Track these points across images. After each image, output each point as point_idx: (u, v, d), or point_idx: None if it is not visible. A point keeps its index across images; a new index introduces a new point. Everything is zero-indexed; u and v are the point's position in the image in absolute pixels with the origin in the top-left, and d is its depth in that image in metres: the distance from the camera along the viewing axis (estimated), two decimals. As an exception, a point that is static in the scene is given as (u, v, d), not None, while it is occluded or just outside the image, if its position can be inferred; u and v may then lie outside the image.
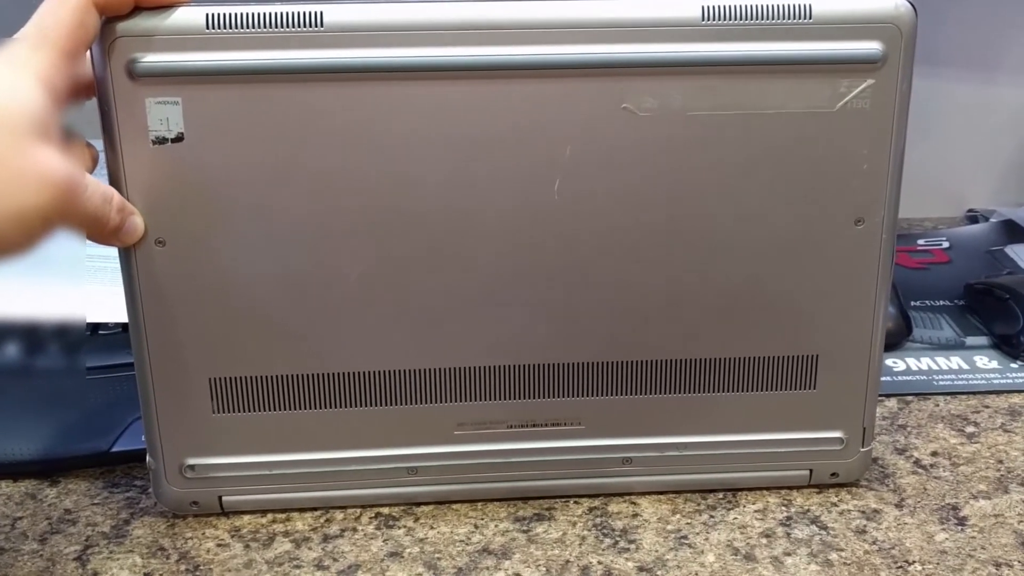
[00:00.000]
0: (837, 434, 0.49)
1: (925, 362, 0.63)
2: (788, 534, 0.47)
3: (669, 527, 0.48)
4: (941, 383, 0.61)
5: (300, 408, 0.47)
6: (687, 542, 0.47)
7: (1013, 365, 0.63)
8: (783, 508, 0.49)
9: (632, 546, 0.47)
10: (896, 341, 0.65)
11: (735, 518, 0.49)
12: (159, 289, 0.44)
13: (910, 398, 0.59)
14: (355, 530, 0.48)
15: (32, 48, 0.37)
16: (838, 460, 0.50)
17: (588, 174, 0.44)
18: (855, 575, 0.45)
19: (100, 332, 0.61)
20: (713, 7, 0.42)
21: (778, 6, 0.42)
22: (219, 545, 0.47)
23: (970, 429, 0.56)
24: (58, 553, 0.47)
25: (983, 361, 0.63)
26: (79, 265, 0.62)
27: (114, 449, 0.52)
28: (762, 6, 0.42)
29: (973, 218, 0.88)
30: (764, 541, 0.47)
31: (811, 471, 0.50)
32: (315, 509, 0.49)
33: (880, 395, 0.50)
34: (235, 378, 0.46)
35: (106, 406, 0.55)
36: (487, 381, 0.47)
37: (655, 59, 0.42)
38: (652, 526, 0.48)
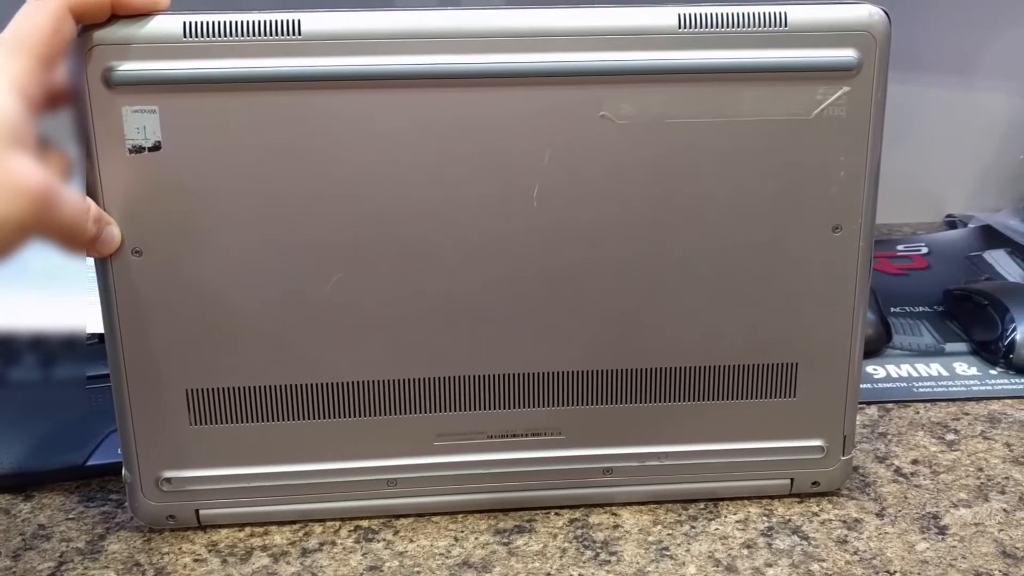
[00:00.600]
0: (818, 442, 0.49)
1: (905, 369, 0.63)
2: (770, 545, 0.47)
3: (650, 538, 0.48)
4: (921, 390, 0.61)
5: (278, 420, 0.47)
6: (668, 554, 0.47)
7: (992, 372, 0.63)
8: (764, 518, 0.49)
9: (613, 558, 0.46)
10: (876, 348, 0.65)
11: (716, 528, 0.48)
12: (135, 299, 0.44)
13: (890, 405, 0.60)
14: (334, 544, 0.47)
15: (7, 55, 0.37)
16: (819, 469, 0.50)
17: (567, 182, 0.44)
18: (836, 584, 0.45)
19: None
20: (690, 15, 0.42)
21: (754, 14, 0.42)
22: (196, 560, 0.46)
23: (950, 437, 0.56)
24: (31, 570, 0.46)
25: (963, 368, 0.64)
26: (65, 274, 0.61)
27: (89, 462, 0.51)
28: (738, 14, 0.42)
29: (952, 223, 0.88)
30: (746, 552, 0.47)
31: (792, 480, 0.50)
32: (293, 522, 0.49)
33: (860, 403, 0.50)
34: (212, 389, 0.46)
35: (81, 419, 0.54)
36: (466, 391, 0.47)
37: (632, 67, 0.42)
38: (633, 537, 0.48)
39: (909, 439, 0.56)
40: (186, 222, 0.43)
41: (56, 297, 0.59)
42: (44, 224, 0.37)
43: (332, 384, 0.46)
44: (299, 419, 0.47)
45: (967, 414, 0.59)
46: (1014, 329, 0.63)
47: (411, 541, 0.48)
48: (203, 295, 0.44)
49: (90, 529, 0.49)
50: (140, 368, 0.45)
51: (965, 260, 0.79)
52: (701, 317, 0.47)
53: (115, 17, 0.40)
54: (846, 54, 0.43)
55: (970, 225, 0.86)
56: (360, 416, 0.47)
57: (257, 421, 0.46)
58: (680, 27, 0.42)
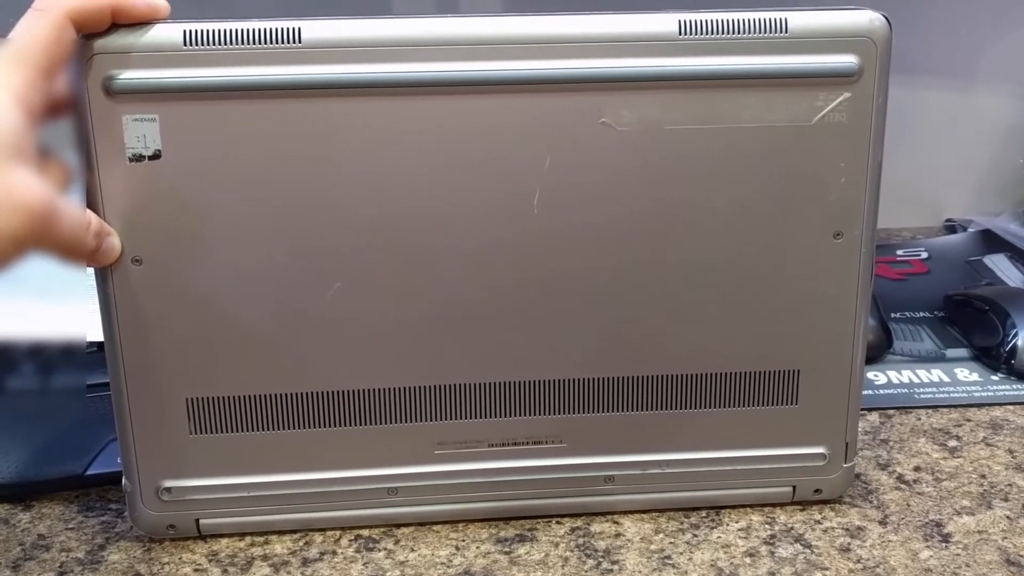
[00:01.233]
0: (820, 450, 0.49)
1: (906, 375, 0.63)
2: (772, 553, 0.47)
3: (652, 547, 0.47)
4: (922, 396, 0.61)
5: (278, 428, 0.46)
6: (671, 562, 0.46)
7: (994, 377, 0.63)
8: (767, 526, 0.49)
9: (615, 567, 0.46)
10: (877, 354, 0.65)
11: (719, 537, 0.48)
12: (135, 308, 0.44)
13: (892, 412, 0.59)
14: (335, 553, 0.47)
15: (7, 66, 0.37)
16: (821, 476, 0.50)
17: (567, 189, 0.44)
18: (840, 592, 0.45)
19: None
20: (690, 21, 0.42)
21: (754, 20, 0.42)
22: (196, 570, 0.46)
23: (952, 443, 0.56)
24: (31, 579, 0.46)
25: (964, 373, 0.63)
26: (61, 282, 0.61)
27: (89, 472, 0.51)
28: (739, 20, 0.42)
29: (951, 228, 0.88)
30: (748, 560, 0.47)
31: (794, 488, 0.50)
32: (294, 532, 0.49)
33: (861, 409, 0.50)
34: (212, 398, 0.46)
35: (81, 428, 0.54)
36: (467, 399, 0.47)
37: (633, 73, 0.42)
38: (635, 546, 0.48)
39: (911, 446, 0.56)
40: (186, 231, 0.43)
41: (55, 305, 0.59)
42: (43, 239, 0.36)
43: (332, 392, 0.46)
44: (299, 428, 0.46)
45: (969, 420, 0.59)
46: (1015, 335, 0.63)
47: (412, 550, 0.47)
48: (203, 303, 0.44)
49: (90, 539, 0.48)
50: (140, 377, 0.45)
51: (965, 265, 0.79)
52: (702, 324, 0.46)
53: (115, 26, 0.40)
54: (847, 60, 0.43)
55: (970, 229, 0.86)
56: (361, 424, 0.47)
57: (258, 430, 0.46)
58: (681, 33, 0.42)
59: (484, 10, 0.81)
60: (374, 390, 0.46)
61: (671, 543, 0.48)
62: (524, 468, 0.48)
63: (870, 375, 0.63)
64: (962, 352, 0.66)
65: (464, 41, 0.42)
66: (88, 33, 0.40)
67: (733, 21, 0.42)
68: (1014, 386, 0.62)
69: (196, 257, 0.43)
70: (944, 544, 0.47)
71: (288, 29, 0.41)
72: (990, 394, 0.61)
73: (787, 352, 0.47)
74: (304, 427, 0.46)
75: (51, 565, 0.47)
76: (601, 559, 0.47)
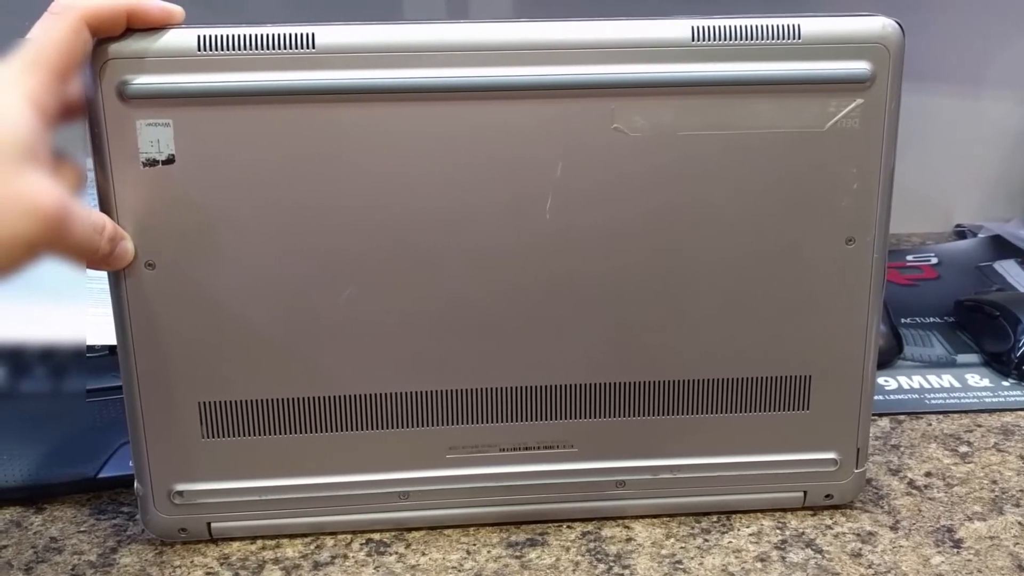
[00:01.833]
0: (831, 455, 0.49)
1: (917, 380, 0.63)
2: (783, 558, 0.47)
3: (663, 551, 0.47)
4: (933, 402, 0.61)
5: (290, 432, 0.46)
6: (682, 567, 0.46)
7: (1005, 383, 0.63)
8: (778, 531, 0.49)
9: (626, 571, 0.46)
10: (887, 359, 0.65)
11: (730, 542, 0.48)
12: (148, 312, 0.44)
13: (902, 417, 0.59)
14: (346, 557, 0.47)
15: (23, 69, 0.37)
16: (832, 481, 0.50)
17: (579, 194, 0.44)
18: (851, 598, 0.45)
19: (88, 355, 0.60)
20: (703, 27, 0.42)
21: (767, 26, 0.42)
22: (208, 573, 0.46)
23: (963, 449, 0.56)
24: (43, 582, 0.46)
25: (975, 379, 0.63)
26: (74, 286, 0.61)
27: (101, 475, 0.51)
28: (751, 26, 0.42)
29: (961, 233, 0.88)
30: (759, 566, 0.46)
31: (805, 493, 0.50)
32: (306, 535, 0.49)
33: (872, 414, 0.50)
34: (225, 402, 0.46)
35: (93, 430, 0.54)
36: (479, 404, 0.47)
37: (645, 79, 0.42)
38: (646, 551, 0.48)
39: (922, 451, 0.56)
40: (199, 235, 0.43)
41: (55, 308, 0.59)
42: (56, 243, 0.36)
43: (344, 397, 0.46)
44: (311, 432, 0.46)
45: (980, 426, 0.58)
46: (1026, 340, 0.63)
47: (423, 554, 0.47)
48: (216, 308, 0.44)
49: (102, 542, 0.48)
50: (153, 380, 0.45)
51: (975, 270, 0.79)
52: (714, 329, 0.46)
53: (130, 30, 0.41)
54: (860, 66, 0.43)
55: (980, 235, 0.85)
56: (372, 429, 0.47)
57: (269, 434, 0.46)
58: (693, 39, 0.42)
59: (495, 15, 0.81)
60: (386, 394, 0.46)
61: (682, 548, 0.48)
62: (535, 473, 0.48)
63: (880, 380, 0.63)
64: (973, 358, 0.66)
65: (476, 47, 0.42)
66: (103, 37, 0.40)
67: (746, 27, 0.42)
68: (1025, 392, 0.62)
69: (209, 262, 0.44)
70: (956, 550, 0.47)
71: (302, 34, 0.41)
72: (1001, 400, 0.61)
73: (798, 357, 0.47)
74: (316, 431, 0.47)
75: (63, 568, 0.47)
76: (612, 563, 0.47)
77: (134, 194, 0.42)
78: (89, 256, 0.40)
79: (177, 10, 0.41)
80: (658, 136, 0.43)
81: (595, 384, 0.47)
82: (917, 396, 0.61)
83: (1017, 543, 0.48)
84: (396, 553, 0.48)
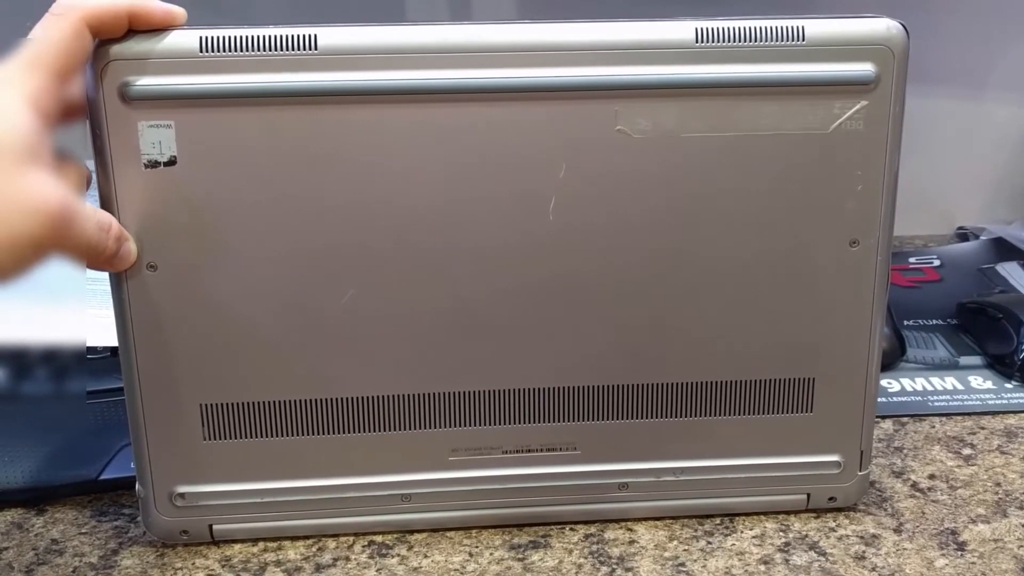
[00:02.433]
0: (834, 458, 0.49)
1: (920, 382, 0.63)
2: (787, 560, 0.47)
3: (666, 554, 0.47)
4: (936, 404, 0.61)
5: (292, 434, 0.46)
6: (685, 570, 0.46)
7: (1008, 385, 0.63)
8: (781, 533, 0.49)
9: (629, 574, 0.46)
10: (890, 361, 0.65)
11: (733, 544, 0.48)
12: (150, 314, 0.44)
13: (905, 419, 0.59)
14: (348, 559, 0.47)
15: (24, 70, 0.37)
16: (836, 484, 0.49)
17: (583, 197, 0.44)
18: (855, 601, 0.44)
19: (89, 357, 0.60)
20: (707, 29, 0.42)
21: (771, 28, 0.42)
22: (209, 575, 0.46)
23: (967, 451, 0.56)
24: (45, 584, 0.46)
25: (977, 381, 0.63)
26: (74, 287, 0.61)
27: (102, 477, 0.51)
28: (756, 28, 0.42)
29: (963, 236, 0.88)
30: (763, 568, 0.46)
31: (808, 495, 0.50)
32: (307, 537, 0.49)
33: (876, 417, 0.50)
34: (226, 404, 0.46)
35: (94, 432, 0.54)
36: (481, 406, 0.47)
37: (649, 81, 0.42)
38: (649, 553, 0.47)
39: (925, 453, 0.56)
40: (201, 237, 0.43)
41: (55, 310, 0.58)
42: (62, 242, 0.36)
43: (347, 399, 0.46)
44: (313, 434, 0.46)
45: (983, 428, 0.58)
46: (1029, 342, 0.63)
47: (425, 556, 0.47)
48: (218, 310, 0.44)
49: (103, 544, 0.48)
50: (154, 382, 0.45)
51: (977, 273, 0.79)
52: (717, 332, 0.46)
53: (132, 32, 0.40)
54: (864, 68, 0.43)
55: (982, 237, 0.85)
56: (374, 431, 0.47)
57: (271, 436, 0.46)
58: (697, 41, 0.42)
59: (498, 17, 0.81)
60: (388, 396, 0.46)
61: (685, 550, 0.48)
62: (538, 475, 0.48)
63: (883, 383, 0.63)
64: (975, 360, 0.66)
65: (479, 48, 0.42)
66: (105, 39, 0.40)
67: (750, 29, 0.42)
68: (1028, 394, 0.62)
69: (211, 263, 0.43)
70: (960, 552, 0.47)
71: (304, 36, 0.41)
72: (1004, 402, 0.61)
73: (802, 360, 0.47)
74: (318, 433, 0.46)
75: (64, 570, 0.47)
76: (615, 566, 0.46)
77: (136, 196, 0.42)
78: (95, 255, 0.40)
79: (179, 11, 0.41)
80: (662, 138, 0.43)
81: (598, 386, 0.47)
82: (920, 398, 0.61)
83: (1021, 546, 0.48)
84: (398, 555, 0.47)
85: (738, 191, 0.44)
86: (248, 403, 0.46)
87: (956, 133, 0.86)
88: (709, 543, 0.48)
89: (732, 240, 0.45)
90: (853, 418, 0.48)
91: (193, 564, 0.47)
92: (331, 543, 0.48)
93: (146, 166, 0.42)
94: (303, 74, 0.41)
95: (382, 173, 0.43)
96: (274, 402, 0.46)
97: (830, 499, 0.50)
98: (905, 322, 0.70)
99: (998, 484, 0.53)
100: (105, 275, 0.43)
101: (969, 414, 0.60)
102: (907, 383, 0.63)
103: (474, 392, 0.46)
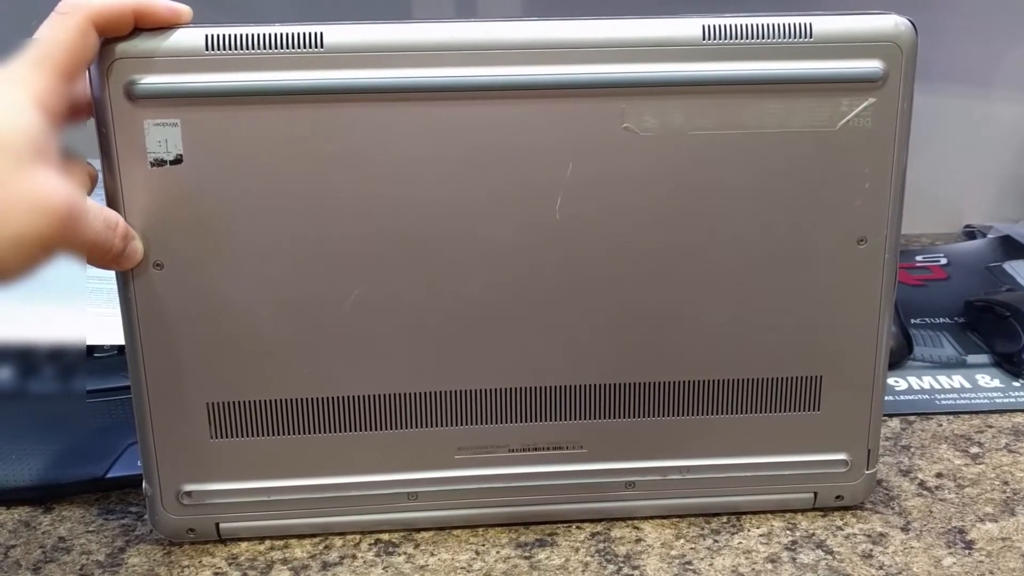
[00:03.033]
0: (841, 456, 0.49)
1: (927, 381, 0.63)
2: (794, 559, 0.47)
3: (673, 552, 0.47)
4: (943, 402, 0.60)
5: (299, 433, 0.46)
6: (692, 568, 0.46)
7: (1015, 384, 0.62)
8: (788, 532, 0.49)
9: (636, 572, 0.46)
10: (897, 360, 0.65)
11: (740, 543, 0.48)
12: (157, 312, 0.44)
13: (912, 418, 0.59)
14: (354, 557, 0.47)
15: (30, 69, 0.37)
16: (843, 483, 0.49)
17: (589, 194, 0.43)
18: (862, 600, 0.44)
19: (95, 355, 0.60)
20: (714, 26, 0.42)
21: (779, 25, 0.42)
22: (216, 573, 0.46)
23: (974, 450, 0.56)
24: (52, 582, 0.46)
25: (985, 380, 0.63)
26: (77, 286, 0.61)
27: (109, 475, 0.51)
28: (763, 25, 0.42)
29: (971, 234, 0.88)
30: (770, 567, 0.46)
31: (815, 494, 0.50)
32: (314, 536, 0.49)
33: (883, 415, 0.50)
34: (233, 403, 0.46)
35: (101, 430, 0.54)
36: (488, 404, 0.47)
37: (656, 78, 0.42)
38: (656, 551, 0.47)
39: (933, 452, 0.55)
40: (207, 235, 0.43)
41: (59, 309, 0.58)
42: (69, 240, 0.36)
43: (353, 397, 0.46)
44: (320, 432, 0.46)
45: (991, 427, 0.58)
46: (1037, 340, 0.63)
47: (432, 555, 0.47)
48: (224, 308, 0.44)
49: (110, 542, 0.48)
50: (161, 381, 0.45)
51: (985, 271, 0.78)
52: (724, 330, 0.46)
53: (137, 30, 0.40)
54: (872, 65, 0.42)
55: (989, 235, 0.85)
56: (381, 429, 0.47)
57: (278, 434, 0.46)
58: (704, 38, 0.42)
59: (504, 14, 0.81)
60: (395, 395, 0.46)
61: (692, 548, 0.47)
62: (544, 473, 0.48)
63: (891, 381, 0.62)
64: (983, 358, 0.65)
65: (486, 46, 0.42)
66: (110, 37, 0.40)
67: (757, 26, 0.42)
68: (1036, 392, 0.61)
69: (217, 262, 0.43)
70: (967, 551, 0.47)
71: (310, 34, 0.41)
72: (1012, 400, 0.61)
73: (809, 358, 0.47)
74: (324, 432, 0.46)
75: (72, 568, 0.47)
76: (622, 564, 0.46)
77: (142, 194, 0.42)
78: (102, 253, 0.40)
79: (185, 9, 0.41)
80: (668, 136, 0.43)
81: (605, 385, 0.47)
82: (927, 397, 0.61)
83: (1029, 545, 0.48)
84: (405, 553, 0.47)
85: (745, 189, 0.44)
86: (255, 402, 0.46)
87: (963, 131, 0.86)
88: (716, 541, 0.48)
89: (739, 238, 0.45)
90: (860, 417, 0.48)
91: (200, 562, 0.47)
92: (338, 541, 0.48)
93: (152, 164, 0.42)
94: (309, 72, 0.41)
95: (388, 171, 0.43)
96: (281, 400, 0.46)
97: (837, 498, 0.50)
98: (912, 320, 0.70)
99: (1006, 483, 0.53)
100: (112, 273, 0.43)
101: (976, 412, 0.59)
102: (914, 381, 0.63)
103: (480, 391, 0.46)
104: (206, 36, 0.41)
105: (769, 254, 0.45)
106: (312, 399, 0.46)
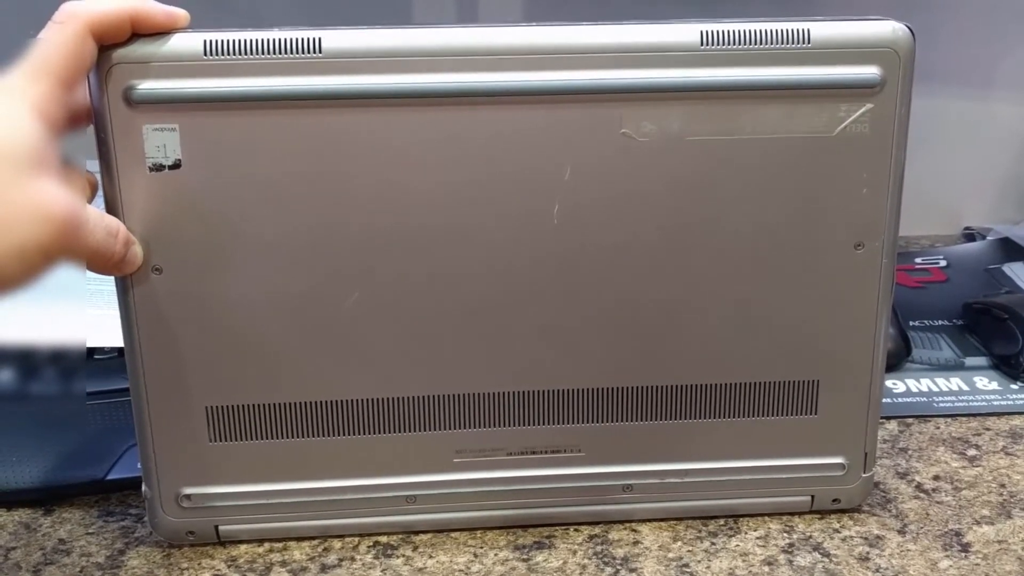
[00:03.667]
0: (838, 460, 0.49)
1: (925, 383, 0.63)
2: (791, 561, 0.47)
3: (670, 555, 0.47)
4: (941, 405, 0.61)
5: (297, 436, 0.46)
6: (689, 570, 0.46)
7: (1013, 386, 0.62)
8: (785, 534, 0.49)
9: (633, 575, 0.46)
10: (895, 362, 0.65)
11: (737, 545, 0.48)
12: (156, 316, 0.44)
13: (910, 420, 0.59)
14: (353, 559, 0.47)
15: (29, 78, 0.37)
16: (840, 486, 0.49)
17: (587, 200, 0.44)
18: (859, 603, 0.44)
19: (95, 357, 0.60)
20: (712, 32, 0.42)
21: (777, 31, 0.42)
22: (215, 575, 0.46)
23: (971, 452, 0.56)
24: (52, 584, 0.46)
25: (983, 382, 0.63)
26: (77, 289, 0.61)
27: (109, 477, 0.51)
28: (761, 31, 0.42)
29: (970, 236, 0.88)
30: (767, 569, 0.46)
31: (812, 497, 0.50)
32: (313, 538, 0.49)
33: (880, 417, 0.50)
34: (232, 406, 0.46)
35: (102, 432, 0.54)
36: (486, 408, 0.47)
37: (654, 84, 0.42)
38: (653, 554, 0.47)
39: (930, 455, 0.56)
40: (206, 240, 0.43)
41: (59, 310, 0.59)
42: (70, 248, 0.37)
43: (351, 401, 0.46)
44: (318, 436, 0.47)
45: (988, 429, 0.58)
46: (1035, 343, 0.63)
47: (430, 557, 0.47)
48: (223, 312, 0.44)
49: (110, 544, 0.49)
50: (160, 385, 0.45)
51: (984, 273, 0.78)
52: (722, 334, 0.46)
53: (135, 36, 0.40)
54: (870, 71, 0.42)
55: (989, 238, 0.85)
56: (379, 433, 0.47)
57: (277, 438, 0.46)
58: (702, 44, 0.42)
59: (504, 20, 0.81)
60: (393, 399, 0.46)
61: (689, 551, 0.48)
62: (542, 477, 0.48)
63: (888, 384, 0.63)
64: (981, 361, 0.66)
65: (485, 51, 0.42)
66: (108, 44, 0.40)
67: (755, 32, 0.42)
68: (1034, 395, 0.61)
69: (216, 266, 0.44)
70: (964, 554, 0.47)
71: (308, 39, 0.41)
72: (1009, 403, 0.61)
73: (807, 362, 0.47)
74: (323, 435, 0.47)
75: (71, 570, 0.47)
76: (619, 567, 0.47)
77: (141, 199, 0.42)
78: (103, 260, 0.40)
79: (182, 14, 0.41)
80: (666, 141, 0.43)
81: (602, 388, 0.47)
82: (925, 399, 0.61)
83: (1026, 548, 0.48)
84: (403, 556, 0.48)
85: (742, 194, 0.44)
86: (254, 405, 0.46)
87: (962, 133, 0.86)
88: (713, 544, 0.48)
89: (736, 243, 0.45)
90: (857, 420, 0.48)
91: (199, 564, 0.47)
92: (336, 544, 0.48)
93: (151, 169, 0.42)
94: (308, 77, 0.41)
95: (386, 175, 0.43)
96: (279, 404, 0.46)
97: (834, 500, 0.50)
98: (911, 323, 0.70)
99: (1003, 485, 0.53)
100: (110, 276, 0.43)
101: (974, 415, 0.60)
102: (912, 384, 0.63)
103: (479, 394, 0.46)
104: (204, 41, 0.41)
105: (766, 259, 0.45)
106: (310, 403, 0.46)
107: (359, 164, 0.43)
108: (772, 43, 0.42)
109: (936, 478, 0.53)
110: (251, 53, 0.41)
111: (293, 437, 0.46)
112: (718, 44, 0.42)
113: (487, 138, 0.42)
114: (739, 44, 0.42)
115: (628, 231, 0.44)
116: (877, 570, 0.46)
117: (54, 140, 0.37)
